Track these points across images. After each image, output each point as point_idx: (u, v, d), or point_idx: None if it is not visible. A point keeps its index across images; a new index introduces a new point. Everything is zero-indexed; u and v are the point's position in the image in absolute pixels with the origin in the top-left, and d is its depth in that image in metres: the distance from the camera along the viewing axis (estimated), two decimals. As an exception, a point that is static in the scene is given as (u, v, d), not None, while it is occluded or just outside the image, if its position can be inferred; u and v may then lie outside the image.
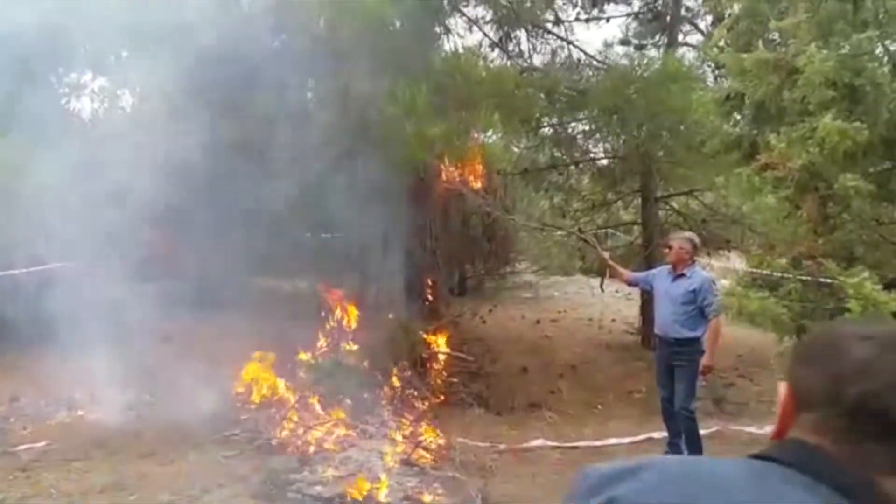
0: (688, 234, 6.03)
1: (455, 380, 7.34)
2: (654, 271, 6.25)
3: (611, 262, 6.51)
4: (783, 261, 4.47)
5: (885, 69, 3.99)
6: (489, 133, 7.18)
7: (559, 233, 10.28)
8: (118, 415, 6.51)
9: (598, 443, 6.36)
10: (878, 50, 4.13)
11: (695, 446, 5.73)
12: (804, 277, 4.47)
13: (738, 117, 5.26)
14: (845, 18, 4.05)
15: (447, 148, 6.26)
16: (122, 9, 6.37)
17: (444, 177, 6.86)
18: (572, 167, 9.72)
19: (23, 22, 5.87)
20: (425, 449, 5.76)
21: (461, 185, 6.77)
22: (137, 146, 6.64)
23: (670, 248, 5.86)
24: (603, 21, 10.41)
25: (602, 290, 11.17)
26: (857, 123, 3.82)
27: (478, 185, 7.04)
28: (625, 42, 10.77)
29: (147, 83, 7.59)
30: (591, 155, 9.49)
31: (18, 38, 5.97)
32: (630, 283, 6.85)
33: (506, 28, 8.87)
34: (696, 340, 5.64)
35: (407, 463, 5.49)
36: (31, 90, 7.14)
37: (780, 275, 4.61)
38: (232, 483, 5.20)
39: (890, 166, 4.21)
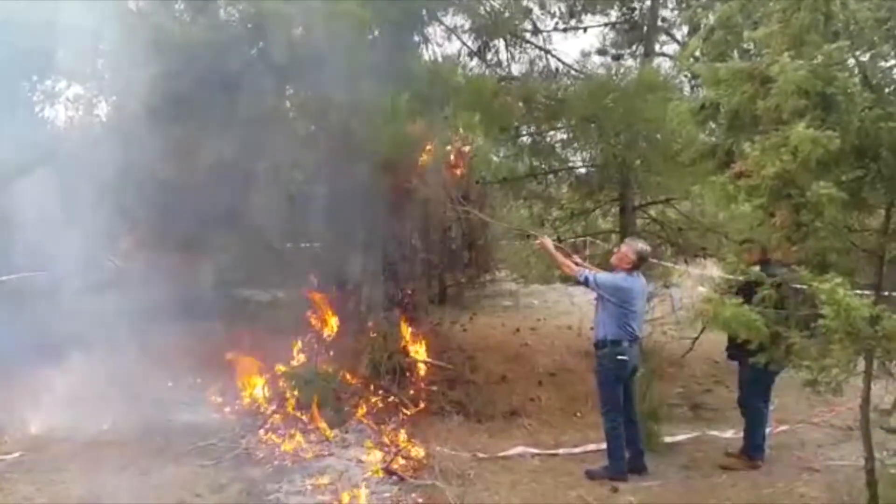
0: (640, 244, 5.76)
1: (434, 388, 7.34)
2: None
3: (553, 251, 5.87)
4: (757, 268, 4.52)
5: (856, 79, 4.04)
6: (469, 140, 7.19)
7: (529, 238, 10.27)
8: (94, 426, 6.42)
9: (577, 450, 6.37)
10: (850, 60, 4.20)
11: (614, 456, 5.64)
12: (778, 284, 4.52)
13: (714, 126, 5.31)
14: (817, 29, 4.11)
15: (427, 148, 6.30)
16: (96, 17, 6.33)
17: (423, 183, 6.86)
18: (551, 176, 9.76)
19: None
20: (404, 457, 5.76)
21: (441, 190, 6.76)
22: (112, 156, 6.56)
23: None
24: (580, 31, 10.49)
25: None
26: (830, 132, 3.87)
27: (457, 191, 7.02)
28: (602, 52, 10.85)
29: (122, 92, 7.54)
30: (570, 164, 9.53)
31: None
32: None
33: (484, 37, 8.91)
34: (604, 343, 5.57)
35: (386, 471, 5.48)
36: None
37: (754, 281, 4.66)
38: (210, 493, 5.16)
39: (861, 175, 4.26)
